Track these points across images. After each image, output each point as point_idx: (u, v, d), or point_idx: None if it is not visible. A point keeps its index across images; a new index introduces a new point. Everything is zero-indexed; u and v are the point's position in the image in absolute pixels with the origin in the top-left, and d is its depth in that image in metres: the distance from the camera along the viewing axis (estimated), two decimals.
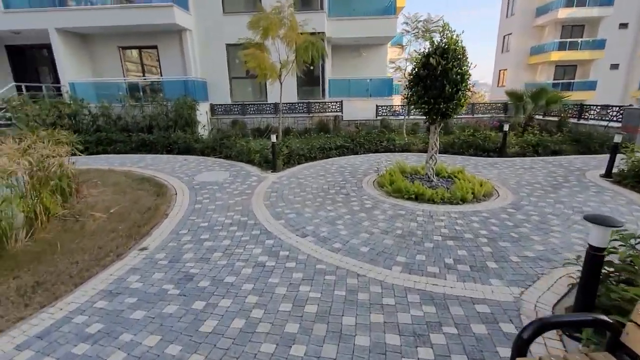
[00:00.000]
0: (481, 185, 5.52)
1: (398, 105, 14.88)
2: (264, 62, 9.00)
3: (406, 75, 11.41)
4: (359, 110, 14.28)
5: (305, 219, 4.60)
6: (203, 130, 12.30)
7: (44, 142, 4.30)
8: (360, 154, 9.30)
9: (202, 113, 12.65)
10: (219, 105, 13.69)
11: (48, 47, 12.68)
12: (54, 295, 2.95)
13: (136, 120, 11.76)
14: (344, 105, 13.45)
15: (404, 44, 12.25)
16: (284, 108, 13.05)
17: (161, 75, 13.68)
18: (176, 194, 5.94)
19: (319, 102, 13.56)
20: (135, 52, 14.02)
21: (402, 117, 13.12)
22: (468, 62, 5.30)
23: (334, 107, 13.42)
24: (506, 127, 8.37)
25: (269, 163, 7.73)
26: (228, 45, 13.37)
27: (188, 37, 12.87)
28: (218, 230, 4.29)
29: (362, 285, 2.95)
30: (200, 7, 13.08)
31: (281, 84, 9.85)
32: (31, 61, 14.45)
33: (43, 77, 14.55)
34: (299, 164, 8.17)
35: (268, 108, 13.41)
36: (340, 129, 12.55)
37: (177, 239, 4.04)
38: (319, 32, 10.66)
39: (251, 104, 13.55)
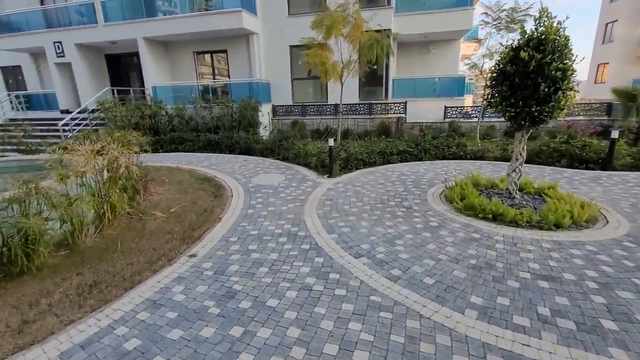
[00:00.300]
0: (583, 208, 4.43)
1: (470, 106, 13.45)
2: (325, 62, 8.73)
3: (484, 72, 10.19)
4: (425, 111, 13.25)
5: (360, 235, 4.13)
6: (264, 131, 12.57)
7: (114, 144, 4.55)
8: (425, 160, 8.47)
9: (264, 114, 12.94)
10: (280, 106, 13.88)
11: (137, 54, 14.18)
12: (105, 298, 2.98)
13: (205, 120, 12.49)
14: (407, 107, 12.58)
15: (481, 38, 10.95)
16: (344, 109, 12.68)
17: (229, 78, 14.36)
18: (232, 196, 5.94)
19: (381, 103, 12.89)
20: (207, 57, 14.95)
21: (475, 120, 11.79)
22: (572, 55, 4.28)
23: (397, 108, 12.63)
24: (615, 134, 6.79)
25: (326, 167, 7.42)
26: (291, 47, 13.46)
27: (254, 40, 13.26)
28: (267, 240, 4.07)
29: (426, 332, 2.40)
30: (267, 10, 13.37)
31: (342, 84, 9.49)
32: (124, 67, 16.37)
33: (132, 81, 16.37)
34: (357, 169, 7.71)
35: (328, 109, 13.18)
36: (403, 132, 11.74)
37: (226, 247, 3.91)
38: (384, 30, 10.04)
39: (311, 105, 13.46)
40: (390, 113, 12.66)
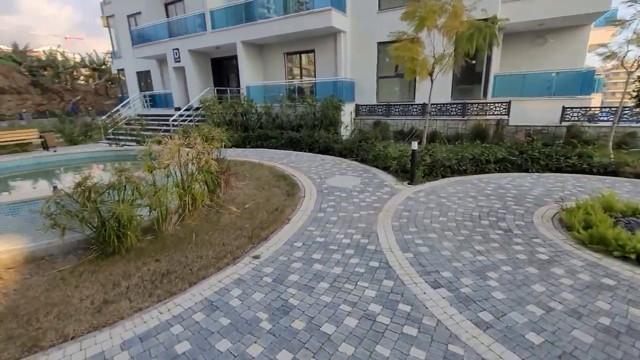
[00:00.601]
0: None
1: (598, 107, 10.82)
2: (415, 57, 7.96)
3: (627, 63, 7.97)
4: (533, 113, 11.18)
5: (441, 259, 3.47)
6: (345, 131, 12.34)
7: (200, 139, 4.82)
8: (532, 172, 7.02)
9: (347, 113, 12.70)
10: (364, 105, 13.45)
11: (236, 57, 15.50)
12: (171, 290, 3.06)
13: (289, 119, 12.89)
14: (511, 107, 10.77)
15: (623, 19, 8.59)
16: (433, 109, 11.56)
17: (315, 77, 14.56)
18: (304, 196, 5.81)
19: (479, 103, 11.33)
20: (296, 57, 15.44)
21: (607, 124, 9.41)
22: None
23: (497, 109, 10.93)
24: None
25: (407, 173, 6.74)
26: (379, 44, 12.89)
27: (342, 39, 13.10)
28: (332, 250, 3.74)
29: None
30: (357, 7, 13.06)
31: (432, 81, 8.56)
32: (225, 70, 18.13)
33: (231, 82, 18.02)
34: (443, 177, 6.82)
35: (414, 109, 12.22)
36: (503, 137, 10.09)
37: (289, 252, 3.72)
38: (487, 18, 8.70)
39: (396, 105, 12.68)
40: (489, 114, 11.03)
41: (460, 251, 3.63)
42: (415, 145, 6.29)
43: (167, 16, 18.49)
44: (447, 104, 11.70)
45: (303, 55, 15.16)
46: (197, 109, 14.06)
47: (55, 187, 3.87)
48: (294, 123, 12.82)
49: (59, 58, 36.16)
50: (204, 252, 3.82)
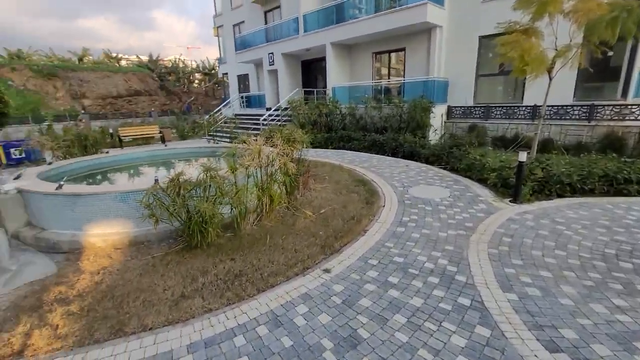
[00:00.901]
0: None
1: None
2: (529, 51, 6.67)
3: None
4: None
5: (561, 310, 2.67)
6: (434, 135, 11.32)
7: (281, 140, 4.82)
8: None
9: (437, 116, 11.62)
10: (458, 107, 12.12)
11: (324, 59, 15.74)
12: (240, 294, 3.03)
13: (373, 120, 12.45)
14: None
15: None
16: (548, 112, 9.68)
17: (404, 77, 13.77)
18: (383, 206, 5.37)
19: (614, 105, 9.04)
20: (385, 57, 14.86)
21: None
22: None
23: None
24: None
25: (509, 188, 5.69)
26: (481, 38, 11.42)
27: (437, 34, 12.03)
28: (412, 275, 3.25)
29: None
30: None
31: (550, 79, 7.07)
32: (313, 71, 18.62)
33: (318, 83, 18.43)
34: (559, 196, 5.54)
35: (521, 112, 10.44)
36: None
37: (363, 271, 3.37)
38: None
39: (498, 107, 11.05)
40: (629, 119, 8.69)
41: (589, 302, 2.74)
42: (523, 155, 5.21)
43: (266, 23, 19.89)
44: (567, 105, 9.66)
45: (392, 55, 14.49)
46: (285, 109, 14.71)
47: (156, 180, 4.30)
48: (378, 125, 12.32)
49: (180, 65, 42.66)
50: (275, 256, 3.76)
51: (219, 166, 4.14)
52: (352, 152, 10.98)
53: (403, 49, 13.67)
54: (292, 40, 16.43)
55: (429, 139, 10.76)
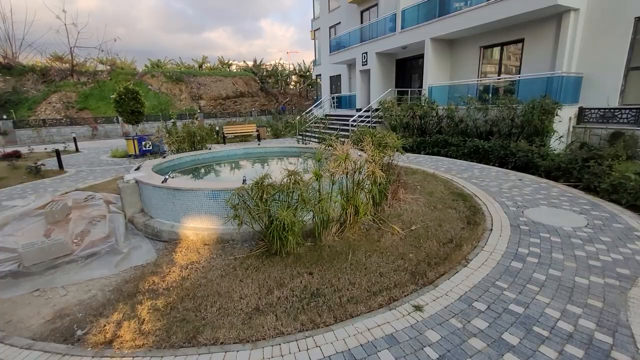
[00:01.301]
0: None
1: None
2: None
3: None
4: None
5: None
6: (558, 143, 9.26)
7: (372, 145, 4.35)
8: None
9: (563, 119, 9.46)
10: (594, 109, 9.67)
11: (421, 56, 14.60)
12: (314, 320, 2.69)
13: (476, 124, 10.89)
14: None
15: None
16: None
17: (519, 73, 11.70)
18: (491, 230, 4.40)
19: None
20: (495, 51, 12.92)
21: None
22: None
23: None
24: None
25: None
26: (637, 20, 8.82)
27: (570, 19, 9.78)
28: (540, 337, 2.40)
29: None
30: None
31: None
32: (408, 70, 17.52)
33: (413, 83, 17.26)
34: None
35: None
36: None
37: (466, 317, 2.66)
38: None
39: None
40: None
41: None
42: None
43: (361, 22, 19.57)
44: None
45: (505, 48, 12.48)
46: (376, 110, 14.13)
47: (244, 180, 4.32)
48: (482, 129, 10.73)
49: (279, 68, 45.90)
50: (357, 277, 3.32)
51: (304, 168, 3.91)
52: (448, 159, 9.79)
53: (520, 41, 11.62)
54: (387, 39, 15.72)
55: (551, 147, 8.82)
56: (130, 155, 12.71)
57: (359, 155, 4.61)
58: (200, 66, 43.33)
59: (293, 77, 47.00)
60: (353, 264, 3.60)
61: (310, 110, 20.92)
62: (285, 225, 3.56)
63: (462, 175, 7.49)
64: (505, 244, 3.95)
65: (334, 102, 22.32)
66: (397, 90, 15.43)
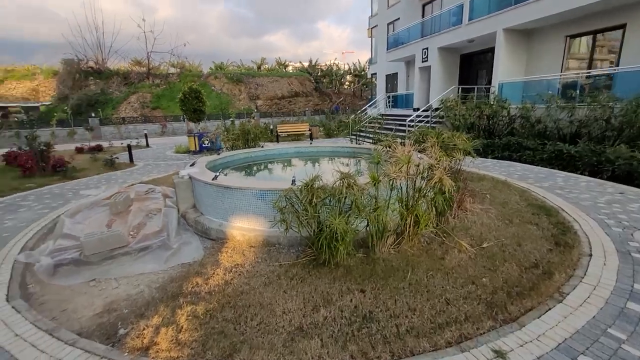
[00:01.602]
0: None
1: None
2: None
3: None
4: None
5: None
6: None
7: (437, 147, 3.76)
8: None
9: None
10: None
11: (491, 50, 13.17)
12: (367, 353, 2.26)
13: (558, 125, 9.40)
14: None
15: None
16: None
17: (617, 65, 9.85)
18: (590, 255, 3.53)
19: None
20: (584, 40, 11.07)
21: None
22: None
23: None
24: None
25: None
26: None
27: None
28: None
29: None
30: None
31: None
32: (474, 66, 16.01)
33: (480, 79, 15.73)
34: None
35: None
36: None
37: None
38: None
39: None
40: None
41: None
42: None
43: (423, 16, 18.43)
44: None
45: (599, 36, 10.62)
46: (436, 109, 13.08)
47: (293, 181, 4.04)
48: (565, 131, 9.22)
49: (334, 68, 45.84)
50: (417, 302, 2.81)
51: (357, 169, 3.49)
52: (521, 164, 8.59)
53: (621, 27, 9.77)
54: (452, 32, 14.50)
55: None
56: (190, 152, 13.45)
57: (420, 158, 4.05)
58: (259, 67, 45.10)
59: (347, 76, 46.59)
60: (412, 284, 3.08)
61: (364, 109, 20.31)
62: (337, 234, 3.17)
63: (542, 185, 6.41)
64: (614, 275, 3.09)
65: (389, 102, 21.43)
66: (462, 88, 14.12)
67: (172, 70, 36.96)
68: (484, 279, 3.15)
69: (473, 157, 4.64)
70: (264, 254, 3.85)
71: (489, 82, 13.46)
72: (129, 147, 11.86)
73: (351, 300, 2.87)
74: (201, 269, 3.61)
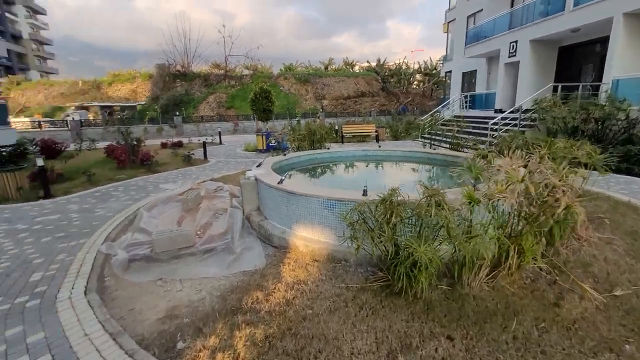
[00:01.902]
0: None
1: None
2: None
3: None
4: None
5: None
6: None
7: (549, 159, 2.93)
8: None
9: None
10: None
11: (601, 41, 10.96)
12: None
13: None
14: None
15: None
16: None
17: None
18: None
19: None
20: None
21: None
22: None
23: None
24: None
25: None
26: None
27: None
28: None
29: None
30: None
31: None
32: (577, 60, 13.59)
33: (584, 76, 13.30)
34: None
35: None
36: None
37: None
38: None
39: None
40: None
41: None
42: None
43: (512, 6, 16.31)
44: None
45: None
46: (526, 111, 11.35)
47: (364, 192, 3.57)
48: None
49: (403, 67, 43.94)
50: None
51: (430, 177, 2.87)
52: None
53: None
54: (550, 21, 12.47)
55: None
56: (258, 150, 13.86)
57: (528, 173, 3.23)
58: (326, 67, 45.44)
59: (417, 75, 44.26)
60: (518, 339, 2.38)
61: (437, 110, 18.82)
62: (419, 264, 2.62)
63: None
64: None
65: (466, 102, 19.53)
66: (561, 86, 12.05)
67: (245, 72, 39.26)
68: (627, 345, 2.30)
69: (601, 174, 3.62)
70: (329, 271, 3.46)
71: (598, 79, 11.22)
72: (204, 144, 12.65)
73: (436, 350, 2.30)
74: (262, 281, 3.36)
